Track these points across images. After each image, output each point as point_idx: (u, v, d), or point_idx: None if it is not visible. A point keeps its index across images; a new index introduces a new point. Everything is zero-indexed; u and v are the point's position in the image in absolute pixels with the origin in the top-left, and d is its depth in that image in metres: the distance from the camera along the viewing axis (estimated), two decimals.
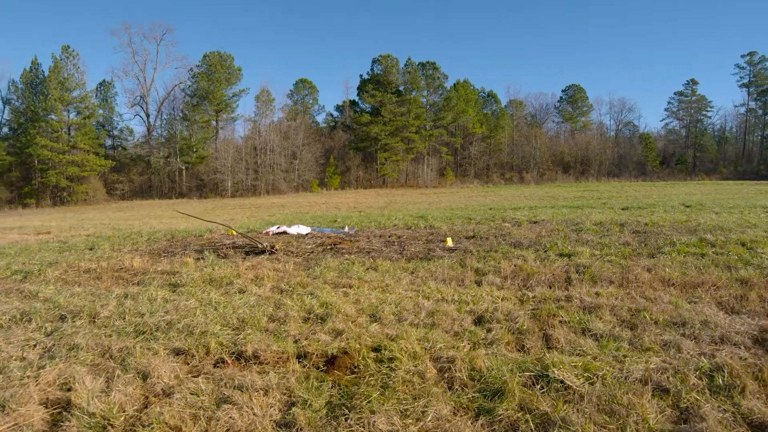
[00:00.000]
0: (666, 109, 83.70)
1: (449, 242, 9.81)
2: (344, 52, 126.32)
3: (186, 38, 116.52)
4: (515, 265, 7.62)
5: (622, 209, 19.46)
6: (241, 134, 70.63)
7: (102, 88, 66.50)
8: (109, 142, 68.18)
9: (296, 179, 62.79)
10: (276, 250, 9.53)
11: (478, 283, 6.68)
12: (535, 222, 14.69)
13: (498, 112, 78.74)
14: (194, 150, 62.96)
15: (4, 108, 61.17)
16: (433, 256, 8.64)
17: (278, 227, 12.62)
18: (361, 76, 69.29)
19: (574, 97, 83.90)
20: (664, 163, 76.12)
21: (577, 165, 75.87)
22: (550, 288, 6.50)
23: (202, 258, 9.20)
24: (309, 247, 10.16)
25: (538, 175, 72.63)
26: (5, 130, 61.26)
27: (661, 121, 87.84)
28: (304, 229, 12.51)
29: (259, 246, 9.64)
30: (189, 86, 64.02)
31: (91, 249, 11.13)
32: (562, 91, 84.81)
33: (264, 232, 12.62)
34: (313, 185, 61.54)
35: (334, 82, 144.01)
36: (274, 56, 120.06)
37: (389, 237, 11.46)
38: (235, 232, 12.25)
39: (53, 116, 56.83)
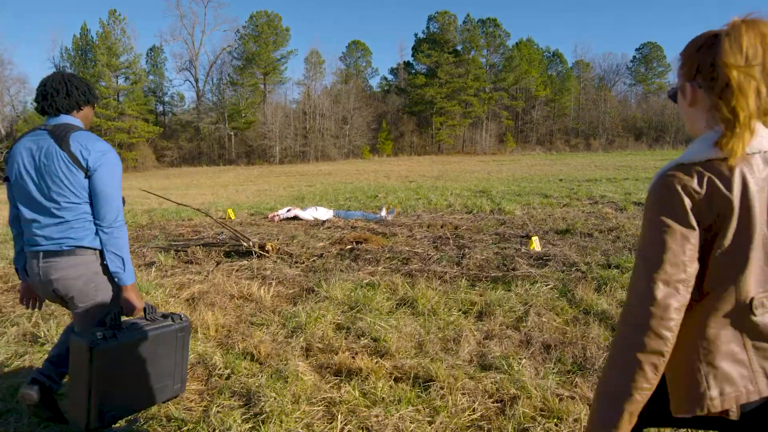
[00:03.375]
0: None
1: (535, 244, 6.21)
2: (399, 9, 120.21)
3: None
4: None
5: None
6: (290, 98, 67.92)
7: (152, 53, 64.91)
8: (160, 108, 67.05)
9: (347, 145, 59.58)
10: (268, 251, 6.27)
11: None
12: (639, 204, 10.79)
13: (563, 73, 72.02)
14: (243, 115, 60.72)
15: None
16: (514, 274, 5.10)
17: (288, 209, 9.33)
18: (416, 35, 64.40)
19: (648, 56, 75.35)
20: None
21: (651, 131, 68.44)
22: None
23: (153, 263, 6.08)
24: (320, 244, 6.82)
25: (606, 142, 66.12)
26: None
27: None
28: (323, 213, 9.16)
29: (244, 245, 6.40)
30: (236, 49, 61.49)
31: None
32: (636, 49, 76.27)
33: (270, 216, 9.36)
34: (365, 152, 58.15)
35: (388, 43, 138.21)
36: (325, 16, 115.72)
37: (441, 227, 7.98)
38: (232, 215, 9.15)
39: (102, 83, 55.78)
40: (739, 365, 1.12)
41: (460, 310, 4.18)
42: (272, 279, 5.26)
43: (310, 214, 9.03)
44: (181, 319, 2.43)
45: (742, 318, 1.12)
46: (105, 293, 2.25)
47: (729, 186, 1.08)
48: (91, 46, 56.58)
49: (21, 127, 54.37)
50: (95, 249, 2.21)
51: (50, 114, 2.22)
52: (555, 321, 3.87)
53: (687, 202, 1.09)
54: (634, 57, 76.25)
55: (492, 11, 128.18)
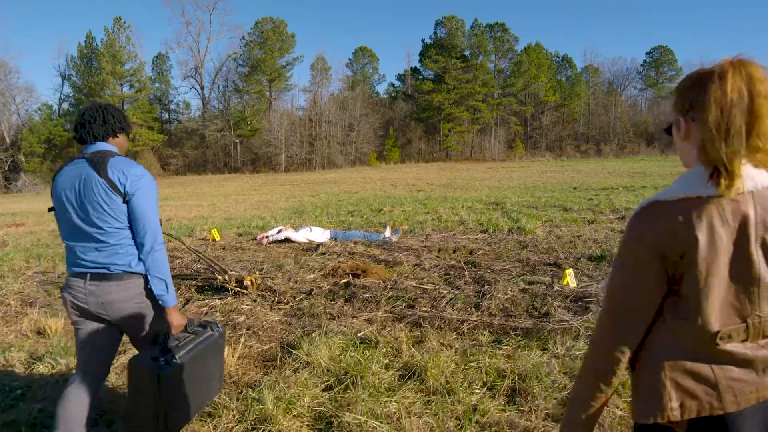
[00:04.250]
0: None
1: (569, 278, 5.11)
2: (406, 14, 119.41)
3: (238, 4, 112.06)
4: None
5: None
6: (296, 106, 67.12)
7: (157, 61, 64.38)
8: (165, 116, 66.41)
9: (353, 152, 58.64)
10: (246, 287, 5.23)
11: None
12: None
13: (573, 78, 70.77)
14: (248, 123, 59.91)
15: (63, 84, 60.36)
16: (549, 325, 4.02)
17: (279, 230, 8.24)
18: (423, 40, 63.39)
19: (659, 60, 73.90)
20: None
21: (663, 136, 67.04)
22: None
23: None
24: (310, 277, 5.77)
25: (617, 147, 64.66)
26: (65, 105, 60.52)
27: None
28: (318, 234, 8.08)
29: (219, 278, 5.36)
30: (241, 55, 60.80)
31: None
32: (647, 53, 74.89)
33: (258, 238, 8.29)
34: (371, 159, 57.16)
35: (395, 49, 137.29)
36: (331, 22, 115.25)
37: (454, 252, 6.90)
38: (217, 237, 8.12)
39: (107, 91, 55.22)
40: (704, 383, 1.15)
41: (484, 385, 3.11)
42: (244, 328, 4.21)
43: (303, 235, 7.95)
44: (218, 327, 2.59)
45: (707, 345, 1.14)
46: (152, 313, 2.33)
47: (694, 225, 1.10)
48: (96, 54, 56.09)
49: (26, 135, 53.89)
50: (140, 274, 2.26)
51: (88, 141, 2.29)
52: (617, 407, 2.78)
53: (651, 239, 1.14)
54: (645, 61, 75.00)
55: (500, 16, 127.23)
